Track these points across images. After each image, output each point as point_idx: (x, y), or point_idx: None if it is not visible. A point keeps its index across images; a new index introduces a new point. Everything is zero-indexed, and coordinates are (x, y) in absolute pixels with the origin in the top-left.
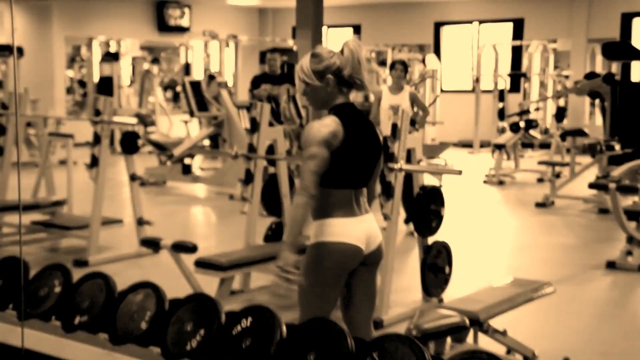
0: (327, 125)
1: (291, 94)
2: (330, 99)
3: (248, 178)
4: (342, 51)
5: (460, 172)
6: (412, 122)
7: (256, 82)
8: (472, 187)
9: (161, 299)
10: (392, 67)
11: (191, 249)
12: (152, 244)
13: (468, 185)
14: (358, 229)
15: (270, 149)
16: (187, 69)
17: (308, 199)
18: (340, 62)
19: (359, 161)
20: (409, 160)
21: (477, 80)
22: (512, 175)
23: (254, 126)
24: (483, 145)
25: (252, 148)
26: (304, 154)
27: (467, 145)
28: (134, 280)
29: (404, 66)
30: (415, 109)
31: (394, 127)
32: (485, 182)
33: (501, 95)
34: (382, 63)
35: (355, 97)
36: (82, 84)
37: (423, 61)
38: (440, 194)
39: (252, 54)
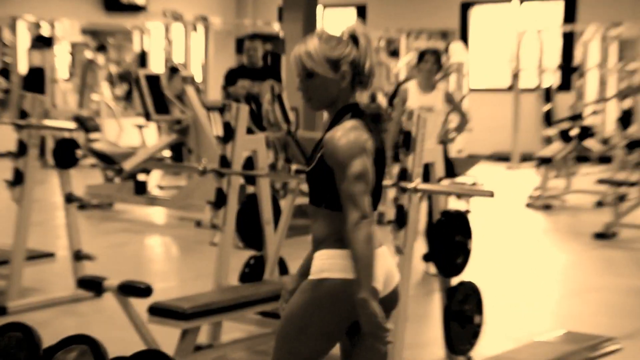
0: (362, 131)
1: (276, 93)
2: (340, 98)
3: (220, 200)
4: (352, 39)
5: (492, 194)
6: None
7: (231, 77)
8: (510, 212)
9: (101, 358)
10: (421, 58)
11: (144, 291)
12: (93, 285)
13: (505, 211)
14: (377, 264)
15: (249, 163)
16: (142, 59)
17: (372, 227)
18: (356, 53)
19: (376, 178)
20: (427, 178)
21: (516, 76)
22: (562, 198)
23: (228, 133)
24: (524, 158)
25: (225, 161)
26: (347, 172)
27: (503, 158)
28: (67, 333)
29: (437, 57)
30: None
31: (407, 136)
32: (527, 206)
33: (547, 95)
34: (394, 54)
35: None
36: (3, 75)
37: (446, 51)
38: (467, 222)
39: (227, 42)
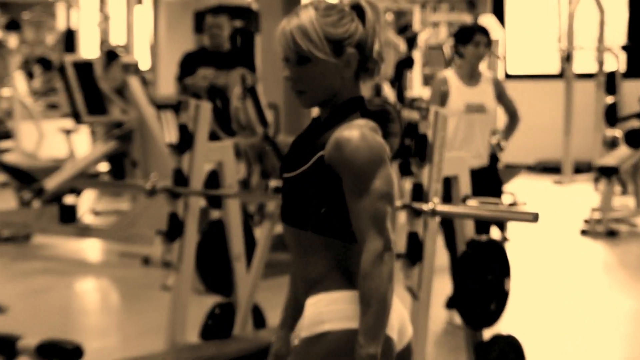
0: (378, 135)
1: (248, 85)
2: (342, 91)
3: (174, 229)
4: (356, 11)
5: (536, 218)
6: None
7: (189, 65)
8: (561, 241)
9: None
10: (469, 38)
11: (72, 353)
12: (4, 346)
13: (553, 239)
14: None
15: (213, 179)
16: (68, 40)
17: (393, 263)
18: (363, 30)
19: None
20: (447, 197)
21: (567, 58)
22: (631, 221)
23: (185, 140)
24: (580, 169)
25: (180, 177)
26: (369, 186)
27: (551, 169)
28: None
29: (489, 38)
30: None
31: (421, 141)
32: (584, 232)
33: (611, 83)
34: (403, 30)
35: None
36: None
37: None
38: (503, 254)
39: (183, 17)
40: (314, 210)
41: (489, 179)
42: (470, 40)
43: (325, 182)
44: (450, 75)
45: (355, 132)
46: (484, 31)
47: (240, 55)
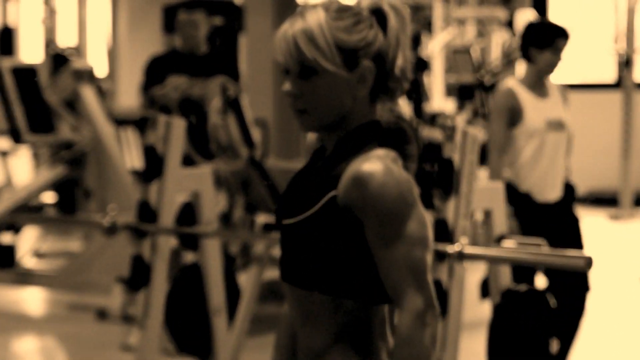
0: (401, 168)
1: (230, 97)
2: (354, 113)
3: (138, 275)
4: (376, 16)
5: (589, 264)
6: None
7: (157, 71)
8: (619, 290)
9: None
10: (549, 42)
11: None
12: None
13: (610, 288)
14: None
15: (187, 214)
16: (5, 40)
17: (437, 324)
18: (383, 40)
19: None
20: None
21: (626, 64)
22: None
23: (153, 165)
24: None
25: (147, 212)
26: (401, 231)
27: (605, 200)
28: None
29: (566, 37)
30: None
31: (446, 167)
32: None
33: None
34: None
35: None
36: None
37: (509, 25)
38: (547, 307)
39: (148, 13)
40: (324, 267)
41: (565, 218)
42: (550, 45)
43: (339, 229)
44: (515, 85)
45: (378, 165)
46: (565, 35)
47: (220, 60)
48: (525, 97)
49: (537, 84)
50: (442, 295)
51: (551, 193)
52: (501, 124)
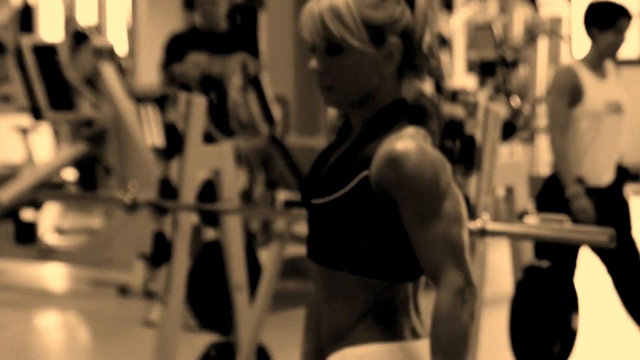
0: (433, 147)
1: (251, 74)
2: (381, 91)
3: (159, 252)
4: None
5: (612, 240)
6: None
7: (177, 49)
8: None
9: None
10: (611, 22)
11: None
12: None
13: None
14: None
15: (208, 191)
16: (25, 18)
17: (476, 302)
18: (410, 17)
19: None
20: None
21: None
22: None
23: (173, 142)
24: None
25: (168, 189)
26: (439, 208)
27: (631, 177)
28: None
29: (629, 17)
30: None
31: (468, 144)
32: None
33: None
34: (447, 5)
35: None
36: None
37: (532, 1)
38: (569, 284)
39: None
40: (354, 247)
41: (616, 201)
42: (612, 25)
43: (371, 209)
44: (576, 65)
45: (411, 144)
46: (628, 14)
47: (240, 37)
48: (586, 77)
49: (598, 64)
50: None
51: (604, 177)
52: (562, 103)
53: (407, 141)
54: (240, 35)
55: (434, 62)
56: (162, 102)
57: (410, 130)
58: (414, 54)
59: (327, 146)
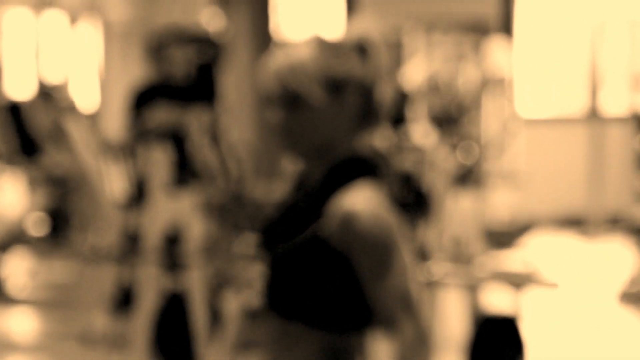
0: (383, 202)
1: (210, 126)
2: (338, 142)
3: (123, 302)
4: (359, 49)
5: (555, 285)
6: (462, 177)
7: (143, 101)
8: (593, 311)
9: None
10: None
11: None
12: None
13: (583, 308)
14: None
15: (172, 242)
16: None
17: (430, 355)
18: (365, 71)
19: None
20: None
21: (594, 96)
22: None
23: (139, 194)
24: (612, 224)
25: (132, 240)
26: (391, 264)
27: (575, 222)
28: None
29: None
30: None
31: (421, 192)
32: (623, 299)
33: None
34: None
35: None
36: None
37: (476, 53)
38: (515, 333)
39: (133, 45)
40: (306, 297)
41: None
42: None
43: (323, 262)
44: None
45: (363, 203)
46: None
47: (201, 88)
48: None
49: None
50: None
51: None
52: None
53: (360, 200)
54: (200, 86)
55: (381, 113)
56: (127, 153)
57: (364, 188)
58: (370, 107)
59: (287, 196)
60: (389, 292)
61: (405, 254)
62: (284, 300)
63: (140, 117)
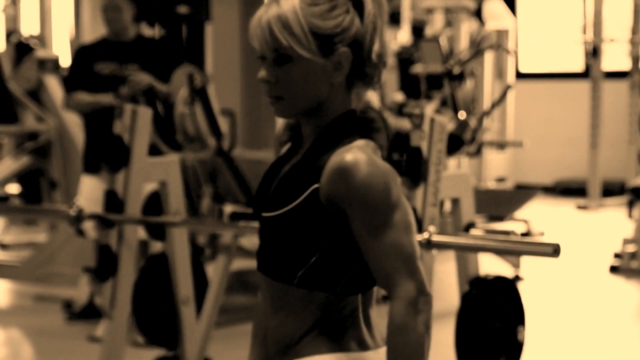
0: (380, 158)
1: (197, 86)
2: (331, 101)
3: (105, 266)
4: (354, 4)
5: (556, 251)
6: (456, 139)
7: (82, 63)
8: (587, 280)
9: None
10: None
11: None
12: None
13: (577, 277)
14: None
15: (154, 203)
16: None
17: (431, 310)
18: (360, 26)
19: None
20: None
21: (593, 53)
22: None
23: (119, 155)
24: (608, 191)
25: (113, 201)
26: (389, 218)
27: (573, 191)
28: None
29: None
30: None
31: (414, 155)
32: (613, 270)
33: None
34: (392, 20)
35: None
36: None
37: (478, 15)
38: (515, 295)
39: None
40: (302, 260)
41: None
42: None
43: (320, 222)
44: None
45: (361, 155)
46: None
47: (149, 47)
48: None
49: None
50: None
51: None
52: None
53: (356, 153)
54: (149, 44)
55: (378, 70)
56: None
57: (360, 143)
58: (364, 63)
59: (278, 158)
60: (387, 249)
61: (404, 208)
62: (280, 263)
63: (76, 93)
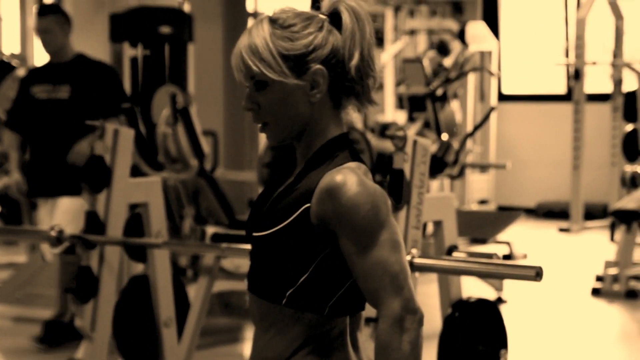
0: (370, 180)
1: (179, 106)
2: (316, 119)
3: (85, 287)
4: (331, 18)
5: (538, 275)
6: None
7: (21, 87)
8: (569, 303)
9: None
10: None
11: None
12: None
13: (559, 300)
14: None
15: (135, 225)
16: None
17: (419, 329)
18: (336, 42)
19: None
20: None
21: (576, 76)
22: None
23: (100, 175)
24: (592, 214)
25: (94, 222)
26: (377, 237)
27: (556, 213)
28: None
29: None
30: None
31: (396, 177)
32: (595, 293)
33: (630, 107)
34: (377, 40)
35: None
36: None
37: (461, 37)
38: (497, 319)
39: (95, 21)
40: (292, 279)
41: None
42: None
43: (311, 242)
44: None
45: (351, 176)
46: None
47: (84, 68)
48: None
49: None
50: None
51: None
52: None
53: (347, 174)
54: (86, 65)
55: (362, 86)
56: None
57: (351, 165)
58: (343, 78)
59: (272, 180)
60: (374, 267)
61: (392, 228)
62: (269, 283)
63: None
